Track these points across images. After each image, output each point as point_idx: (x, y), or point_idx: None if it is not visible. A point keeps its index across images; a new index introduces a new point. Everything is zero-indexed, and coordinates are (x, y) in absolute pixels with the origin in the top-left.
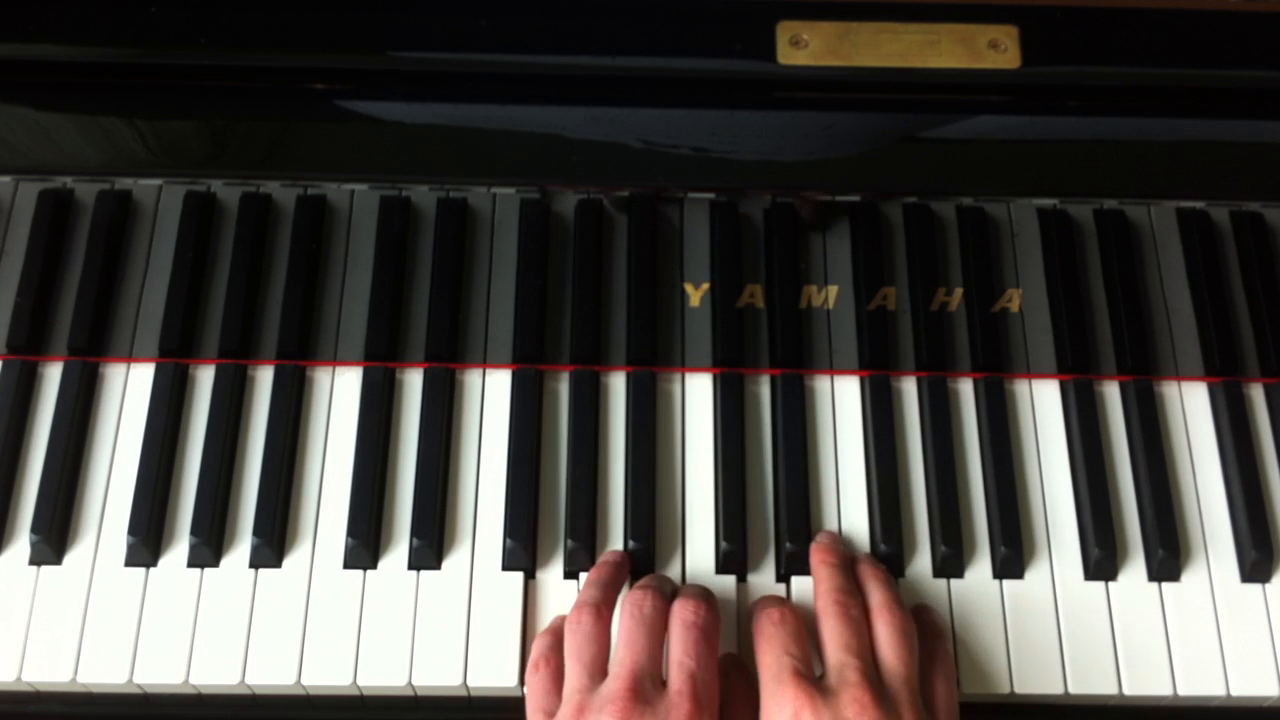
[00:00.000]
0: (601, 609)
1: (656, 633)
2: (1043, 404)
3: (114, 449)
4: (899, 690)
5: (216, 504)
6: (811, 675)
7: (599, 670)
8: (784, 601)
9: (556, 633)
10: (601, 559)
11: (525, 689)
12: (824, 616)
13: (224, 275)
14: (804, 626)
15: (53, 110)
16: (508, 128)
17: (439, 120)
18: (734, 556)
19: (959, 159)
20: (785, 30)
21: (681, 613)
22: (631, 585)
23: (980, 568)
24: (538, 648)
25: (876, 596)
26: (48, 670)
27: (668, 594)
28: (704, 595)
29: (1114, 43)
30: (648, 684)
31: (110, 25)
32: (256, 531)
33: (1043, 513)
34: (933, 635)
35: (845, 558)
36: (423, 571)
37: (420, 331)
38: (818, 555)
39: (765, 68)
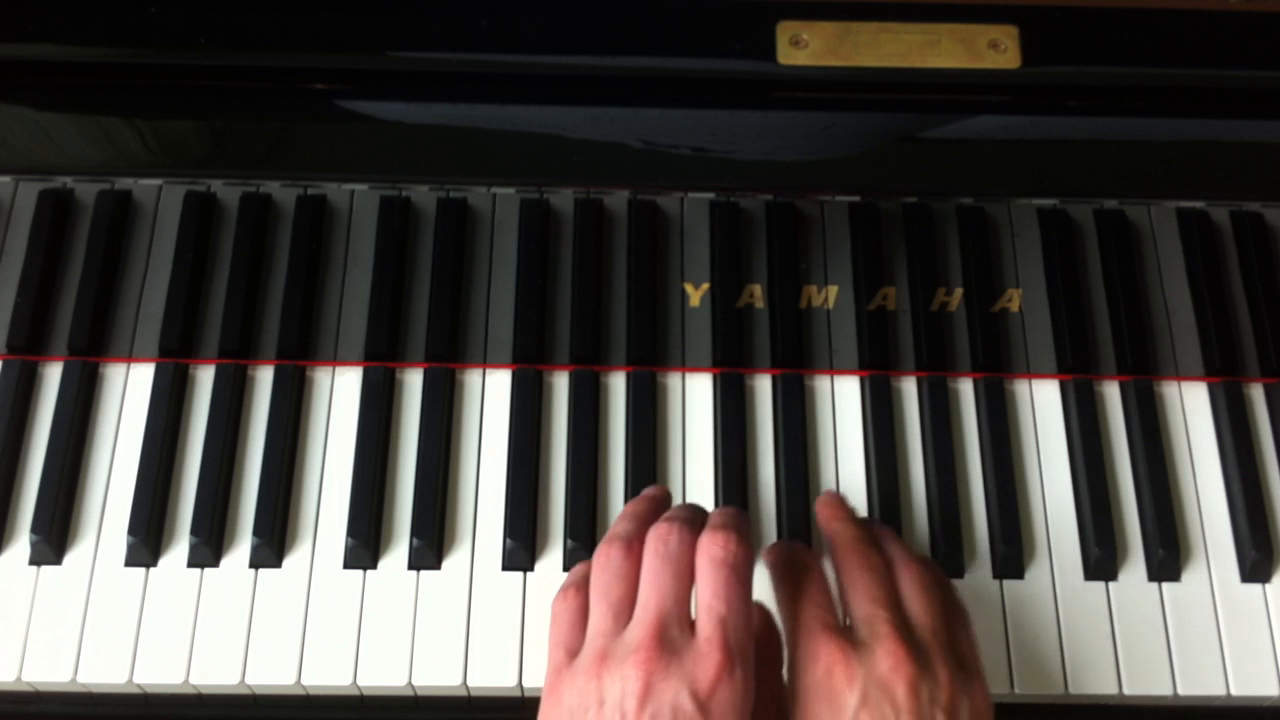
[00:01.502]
0: (633, 544)
1: (683, 570)
2: (1043, 404)
3: (114, 449)
4: (930, 642)
5: (216, 504)
6: (840, 627)
7: (625, 610)
8: (808, 553)
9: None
10: (642, 494)
11: (550, 616)
12: (845, 567)
13: (224, 275)
14: (827, 581)
15: (53, 110)
16: (508, 128)
17: (439, 120)
18: None
19: (959, 159)
20: (785, 30)
21: (710, 548)
22: None
23: (980, 567)
24: (572, 576)
25: (894, 550)
26: (48, 670)
27: (698, 526)
28: (735, 525)
29: (1114, 43)
30: (674, 630)
31: (110, 25)
32: (256, 531)
33: (1043, 513)
34: (941, 586)
35: (854, 512)
36: (423, 571)
37: (420, 331)
38: (827, 511)
39: (765, 68)
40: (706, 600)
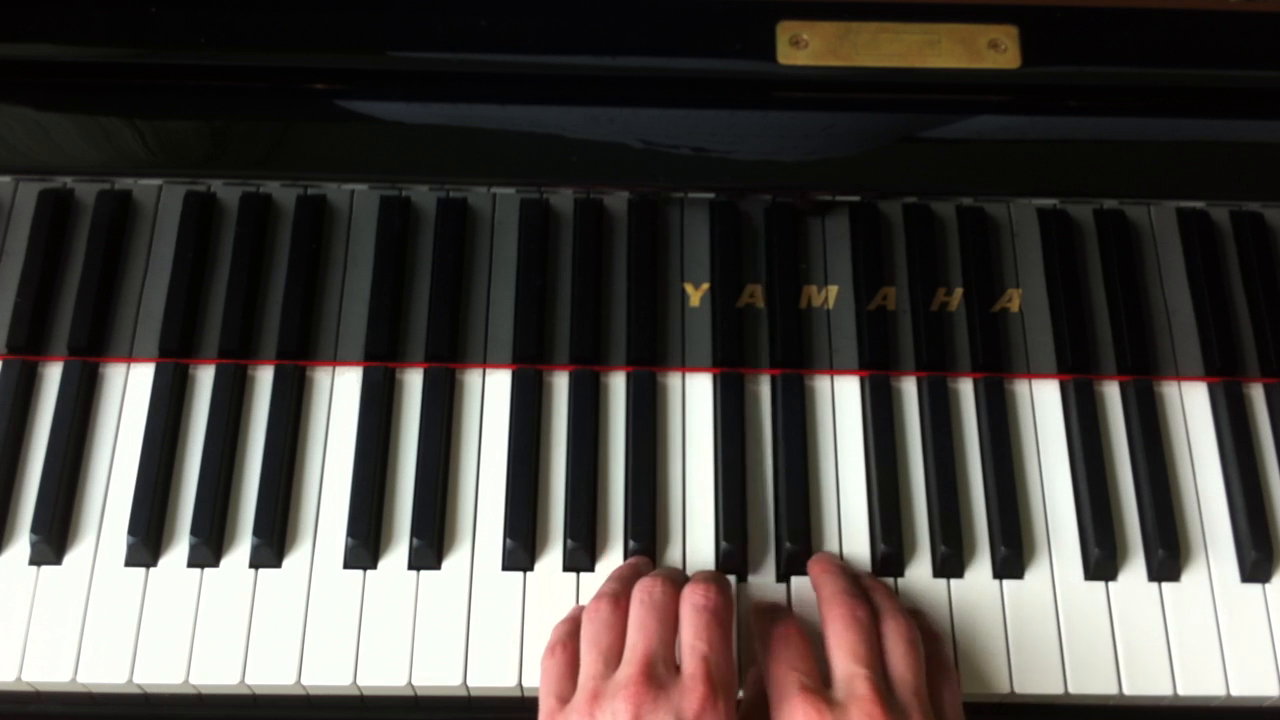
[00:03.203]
0: (620, 599)
1: (667, 617)
2: (1043, 404)
3: (114, 449)
4: (909, 700)
5: (216, 504)
6: (819, 688)
7: (614, 657)
8: (788, 614)
9: (575, 620)
10: (627, 561)
11: (540, 672)
12: (830, 620)
13: (224, 275)
14: (809, 640)
15: (53, 110)
16: (508, 128)
17: (439, 120)
18: (734, 556)
19: (959, 159)
20: (785, 30)
21: (692, 597)
22: None
23: (980, 568)
24: (556, 633)
25: (883, 605)
26: (48, 670)
27: (679, 583)
28: (715, 579)
29: (1114, 43)
30: (661, 668)
31: (110, 25)
32: (256, 531)
33: (1043, 513)
34: (931, 639)
35: (845, 567)
36: (423, 571)
37: (420, 331)
38: (818, 566)
39: (765, 68)
40: (690, 641)
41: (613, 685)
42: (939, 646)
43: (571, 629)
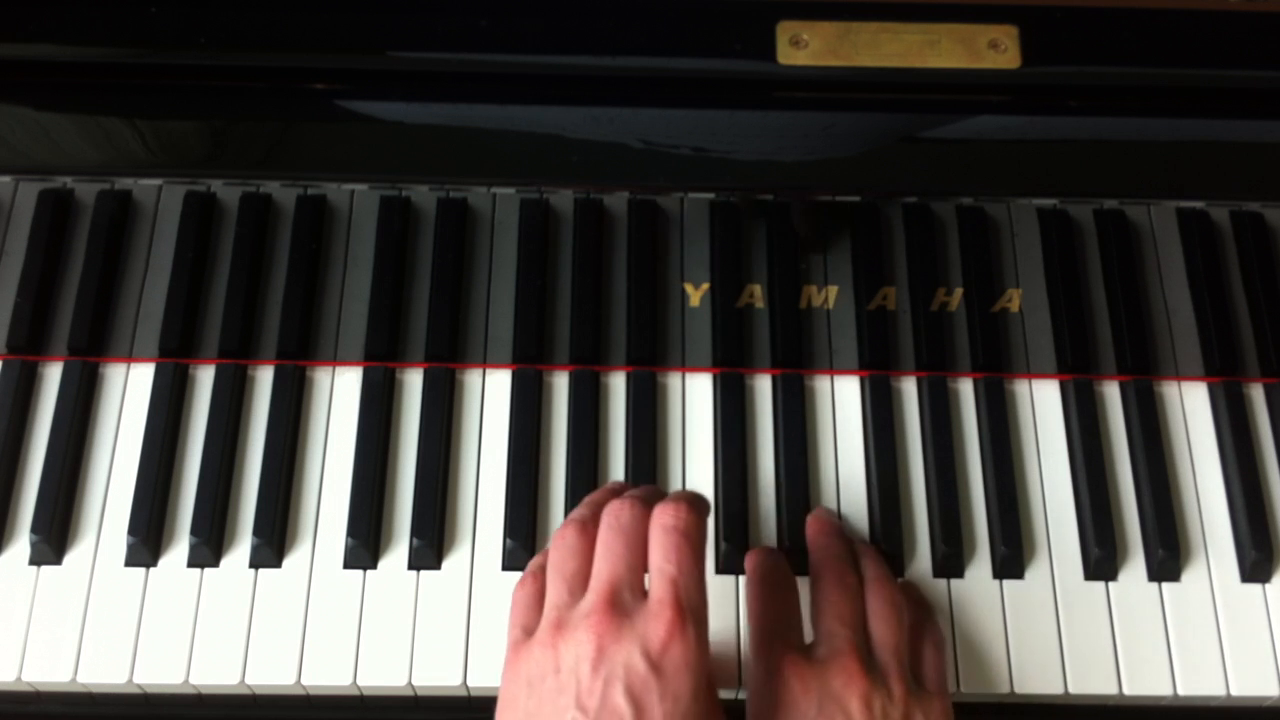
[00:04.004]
0: (588, 525)
1: (635, 541)
2: (1043, 404)
3: (114, 449)
4: (888, 661)
5: (216, 504)
6: (801, 644)
7: (580, 584)
8: (776, 553)
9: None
10: (604, 486)
11: (510, 604)
12: (819, 580)
13: (224, 275)
14: (795, 583)
15: (53, 110)
16: (508, 128)
17: (439, 120)
18: (734, 556)
19: (959, 159)
20: (785, 30)
21: (661, 518)
22: None
23: (980, 567)
24: (531, 565)
25: (870, 570)
26: (48, 670)
27: (652, 504)
28: (687, 497)
29: (1114, 43)
30: (626, 595)
31: (110, 25)
32: (256, 531)
33: (1043, 513)
34: (920, 608)
35: (842, 529)
36: (423, 571)
37: (420, 331)
38: (815, 525)
39: (765, 68)
40: (658, 564)
41: (577, 614)
42: (926, 613)
43: (545, 559)
